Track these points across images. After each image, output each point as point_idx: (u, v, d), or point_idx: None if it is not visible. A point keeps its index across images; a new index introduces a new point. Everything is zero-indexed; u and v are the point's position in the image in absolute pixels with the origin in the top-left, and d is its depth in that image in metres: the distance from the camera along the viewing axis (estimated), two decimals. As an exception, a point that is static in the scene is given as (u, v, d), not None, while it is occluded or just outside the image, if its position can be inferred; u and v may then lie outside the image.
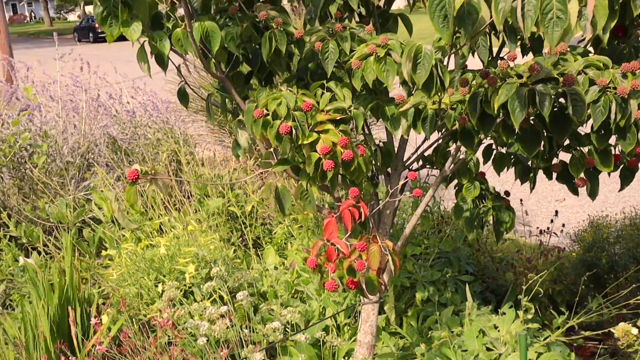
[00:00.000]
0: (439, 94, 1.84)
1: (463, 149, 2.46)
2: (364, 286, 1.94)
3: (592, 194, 2.10)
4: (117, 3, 1.81)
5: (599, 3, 1.32)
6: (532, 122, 1.81)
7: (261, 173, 2.34)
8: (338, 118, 1.97)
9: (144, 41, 1.99)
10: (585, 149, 2.05)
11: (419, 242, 3.84)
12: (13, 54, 9.52)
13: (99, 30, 31.52)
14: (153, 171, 2.14)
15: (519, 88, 1.68)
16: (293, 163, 2.10)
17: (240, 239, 4.32)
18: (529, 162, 2.33)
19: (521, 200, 4.25)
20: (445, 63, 2.20)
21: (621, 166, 2.27)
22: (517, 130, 1.78)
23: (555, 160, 2.13)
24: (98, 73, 5.74)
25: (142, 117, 5.45)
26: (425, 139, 2.81)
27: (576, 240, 3.88)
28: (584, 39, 2.22)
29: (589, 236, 3.72)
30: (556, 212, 3.93)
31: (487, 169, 2.55)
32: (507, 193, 2.74)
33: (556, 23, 1.33)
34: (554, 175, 2.16)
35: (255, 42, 2.12)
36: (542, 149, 1.96)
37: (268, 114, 1.92)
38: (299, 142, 1.91)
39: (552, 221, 3.96)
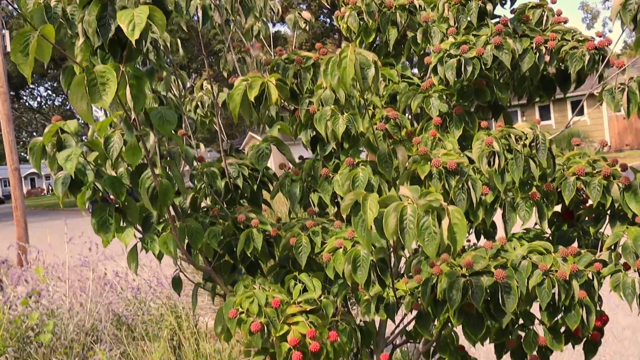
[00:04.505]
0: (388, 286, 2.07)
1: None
2: None
3: (546, 373, 2.23)
4: (111, 213, 2.09)
5: (459, 221, 1.59)
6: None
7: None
8: (309, 309, 2.17)
9: (135, 243, 2.25)
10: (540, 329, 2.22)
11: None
12: (28, 229, 9.92)
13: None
14: None
15: (457, 279, 1.91)
16: (271, 352, 2.26)
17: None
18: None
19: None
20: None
21: (584, 340, 2.42)
22: (452, 312, 1.97)
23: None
24: (106, 253, 6.03)
25: (146, 293, 5.65)
26: (404, 317, 2.98)
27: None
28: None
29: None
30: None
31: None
32: (489, 365, 2.85)
33: (433, 237, 1.59)
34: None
35: (237, 237, 2.38)
36: (501, 326, 2.13)
37: (243, 312, 2.13)
38: (271, 336, 2.10)
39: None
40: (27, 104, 51.33)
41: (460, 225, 1.59)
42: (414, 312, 2.31)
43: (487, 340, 2.81)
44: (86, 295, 5.26)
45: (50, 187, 58.05)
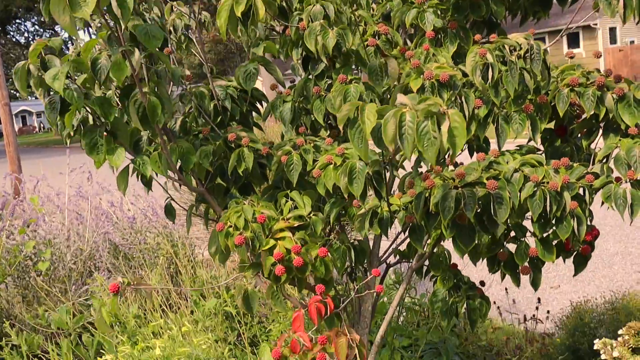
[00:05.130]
0: (383, 199, 2.06)
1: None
2: (331, 377, 2.07)
3: (535, 283, 2.27)
4: (101, 134, 2.07)
5: (459, 125, 1.57)
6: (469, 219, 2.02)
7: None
8: (297, 225, 2.19)
9: (127, 164, 2.23)
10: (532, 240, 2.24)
11: (409, 333, 3.94)
12: (21, 166, 9.90)
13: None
14: (136, 282, 2.35)
15: (449, 190, 1.91)
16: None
17: (238, 338, 4.44)
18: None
19: (506, 289, 4.38)
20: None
21: (575, 253, 2.45)
22: (445, 224, 1.98)
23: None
24: (103, 183, 6.04)
25: (142, 222, 5.68)
26: (398, 235, 3.01)
27: (561, 325, 3.98)
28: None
29: (571, 321, 3.84)
30: (539, 299, 4.05)
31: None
32: (482, 283, 2.90)
33: (432, 142, 1.57)
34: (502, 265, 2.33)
35: (228, 159, 2.37)
36: (491, 238, 2.15)
37: (231, 226, 2.14)
38: (258, 250, 2.11)
39: (537, 308, 4.07)
40: (14, 39, 50.38)
41: (460, 129, 1.57)
42: (407, 233, 2.32)
43: (480, 261, 2.86)
44: (83, 225, 5.29)
45: (42, 125, 57.66)
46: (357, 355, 2.35)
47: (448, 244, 2.80)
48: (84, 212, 5.46)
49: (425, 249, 2.75)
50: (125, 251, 5.37)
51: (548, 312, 4.24)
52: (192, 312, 4.36)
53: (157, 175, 2.37)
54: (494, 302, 3.99)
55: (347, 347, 2.28)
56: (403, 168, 2.59)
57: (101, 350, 3.72)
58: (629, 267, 6.27)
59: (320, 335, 2.06)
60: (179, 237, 5.78)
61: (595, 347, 1.55)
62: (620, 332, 1.64)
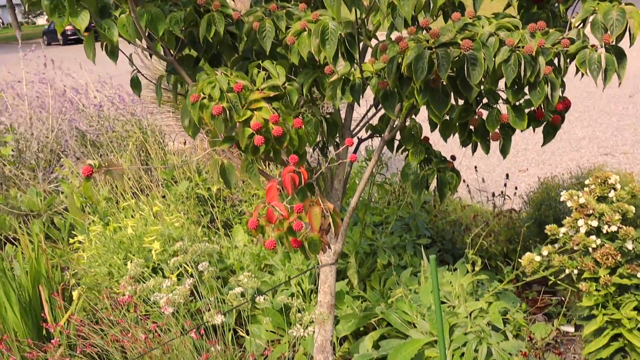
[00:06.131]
0: (356, 64, 2.02)
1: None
2: (306, 246, 2.11)
3: (504, 150, 2.29)
4: (63, -7, 1.96)
5: None
6: (442, 83, 2.00)
7: (214, 151, 2.51)
8: (272, 95, 2.14)
9: (92, 30, 2.14)
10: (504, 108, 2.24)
11: (380, 211, 4.02)
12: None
13: (69, 33, 31.12)
14: (107, 164, 2.32)
15: (422, 51, 1.87)
16: (237, 140, 2.26)
17: (212, 223, 4.48)
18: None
19: (476, 167, 4.46)
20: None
21: (545, 123, 2.47)
22: (418, 86, 1.96)
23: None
24: (63, 68, 5.85)
25: (109, 110, 5.57)
26: (370, 109, 3.00)
27: (528, 201, 4.09)
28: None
29: (538, 196, 3.94)
30: (507, 175, 4.14)
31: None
32: (453, 157, 2.93)
33: None
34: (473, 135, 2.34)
35: (198, 26, 2.28)
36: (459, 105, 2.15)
37: (205, 97, 2.09)
38: (235, 121, 2.08)
39: (505, 185, 4.17)
40: None
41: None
42: (380, 100, 2.30)
43: (451, 136, 2.88)
44: (47, 112, 5.16)
45: (1, 21, 55.17)
46: (332, 224, 2.39)
47: (420, 118, 2.81)
48: (46, 99, 5.32)
49: (397, 122, 2.75)
50: (92, 138, 5.29)
51: (516, 188, 4.34)
52: (164, 197, 4.37)
53: (124, 45, 2.27)
54: (464, 181, 4.07)
55: (321, 216, 2.31)
56: (376, 38, 2.54)
57: (73, 232, 3.73)
58: (595, 150, 6.41)
59: (296, 204, 2.08)
60: (148, 125, 5.71)
61: (562, 199, 1.59)
62: (587, 182, 1.68)
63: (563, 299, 3.39)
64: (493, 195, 4.10)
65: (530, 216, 3.81)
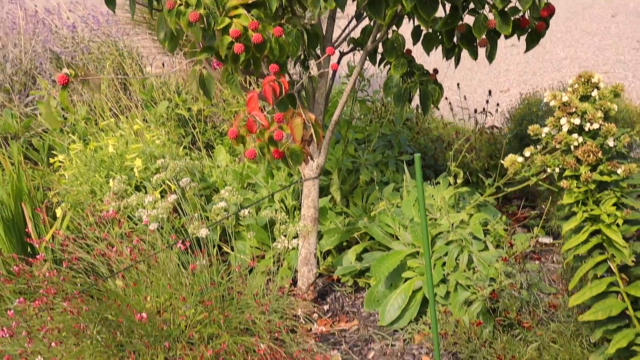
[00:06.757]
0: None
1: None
2: (288, 157, 2.10)
3: (490, 56, 2.27)
4: None
5: None
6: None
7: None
8: (250, 2, 2.08)
9: None
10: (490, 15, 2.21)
11: (362, 129, 4.01)
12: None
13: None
14: (83, 73, 2.26)
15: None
16: (216, 50, 2.21)
17: (194, 145, 4.45)
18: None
19: (458, 84, 4.43)
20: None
21: (529, 30, 2.45)
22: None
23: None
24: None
25: (83, 31, 5.42)
26: (351, 21, 2.94)
27: (510, 117, 4.10)
28: None
29: (520, 112, 3.94)
30: (489, 91, 4.12)
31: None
32: (435, 70, 2.90)
33: None
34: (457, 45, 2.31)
35: None
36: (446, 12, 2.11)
37: (181, 4, 2.02)
38: (213, 29, 2.03)
39: (487, 102, 4.16)
40: None
41: None
42: (367, 7, 2.25)
43: (433, 49, 2.84)
44: (18, 33, 5.01)
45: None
46: (314, 135, 2.38)
47: (402, 30, 2.76)
48: (17, 20, 5.15)
49: (379, 34, 2.70)
50: (68, 60, 5.16)
51: (497, 105, 4.34)
52: (145, 121, 4.31)
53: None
54: (446, 98, 4.06)
55: (302, 127, 2.29)
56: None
57: (53, 152, 3.69)
58: (577, 69, 6.40)
59: (276, 114, 2.06)
60: (125, 47, 5.57)
61: (545, 100, 1.60)
62: (570, 81, 1.68)
63: (542, 211, 3.45)
64: (475, 111, 4.09)
65: (511, 131, 3.83)
